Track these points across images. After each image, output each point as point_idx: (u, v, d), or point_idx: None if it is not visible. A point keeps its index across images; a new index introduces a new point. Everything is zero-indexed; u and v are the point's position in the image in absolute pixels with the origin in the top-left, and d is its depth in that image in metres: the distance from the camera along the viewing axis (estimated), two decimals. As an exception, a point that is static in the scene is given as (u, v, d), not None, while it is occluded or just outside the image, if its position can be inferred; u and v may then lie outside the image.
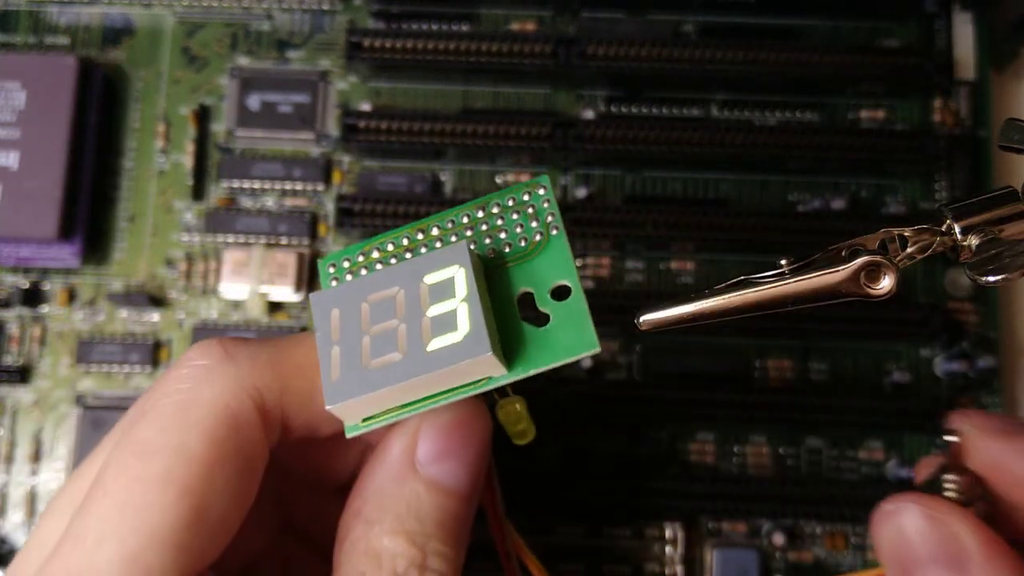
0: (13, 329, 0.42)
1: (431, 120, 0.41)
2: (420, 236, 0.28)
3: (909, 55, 0.42)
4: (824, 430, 0.41)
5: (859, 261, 0.26)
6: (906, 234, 0.26)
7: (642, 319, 0.26)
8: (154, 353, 0.41)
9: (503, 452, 0.30)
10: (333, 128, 0.43)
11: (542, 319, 0.26)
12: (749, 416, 0.40)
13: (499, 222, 0.27)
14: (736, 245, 0.41)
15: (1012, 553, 0.26)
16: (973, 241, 0.26)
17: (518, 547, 0.31)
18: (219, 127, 0.44)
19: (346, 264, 0.28)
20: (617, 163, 0.43)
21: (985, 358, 0.40)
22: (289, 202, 0.43)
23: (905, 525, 0.27)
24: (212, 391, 0.26)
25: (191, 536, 0.25)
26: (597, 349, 0.25)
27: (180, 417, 0.26)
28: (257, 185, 0.43)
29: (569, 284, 0.26)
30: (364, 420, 0.26)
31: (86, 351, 0.41)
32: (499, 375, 0.25)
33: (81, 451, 0.41)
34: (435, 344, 0.25)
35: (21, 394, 0.41)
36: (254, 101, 0.44)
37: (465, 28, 0.44)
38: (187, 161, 0.43)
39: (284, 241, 0.42)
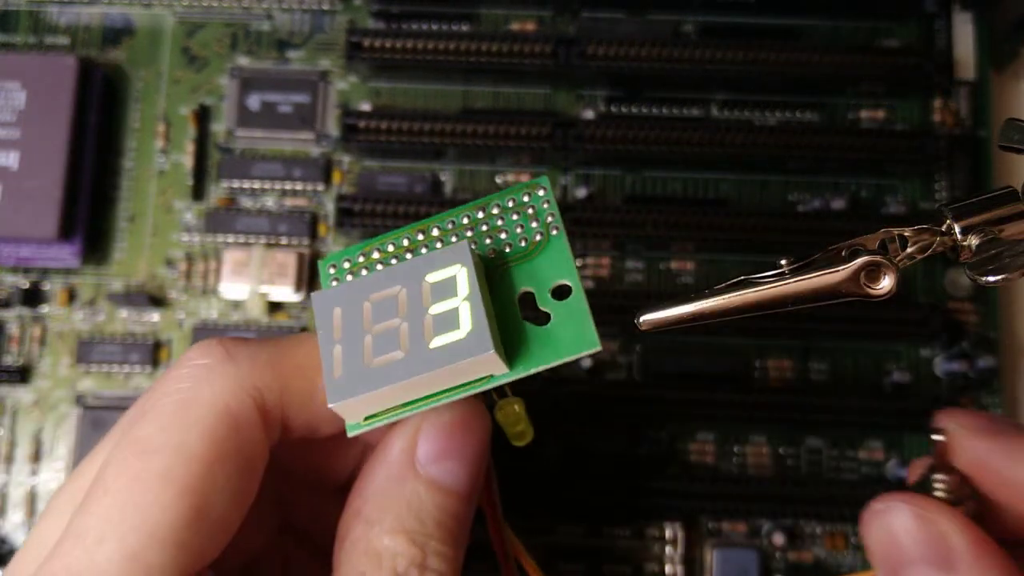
0: (13, 329, 0.42)
1: (431, 120, 0.41)
2: (420, 237, 0.28)
3: (909, 55, 0.42)
4: (824, 430, 0.41)
5: (859, 261, 0.26)
6: (906, 234, 0.26)
7: (642, 319, 0.26)
8: (154, 353, 0.41)
9: (503, 453, 0.30)
10: (333, 128, 0.43)
11: (543, 318, 0.26)
12: (749, 416, 0.40)
13: (499, 223, 0.27)
14: (736, 245, 0.41)
15: (1000, 552, 0.26)
16: (973, 241, 0.26)
17: (516, 548, 0.31)
18: (219, 127, 0.44)
19: (346, 264, 0.28)
20: (617, 163, 0.43)
21: (985, 358, 0.40)
22: (289, 202, 0.43)
23: (894, 524, 0.27)
24: (212, 390, 0.26)
25: (191, 535, 0.25)
26: (598, 348, 0.25)
27: (180, 416, 0.26)
28: (257, 185, 0.43)
29: (570, 283, 0.26)
30: (366, 419, 0.26)
31: (86, 351, 0.41)
32: (500, 373, 0.26)
33: (81, 451, 0.41)
34: (437, 342, 0.25)
35: (21, 394, 0.41)
36: (254, 101, 0.44)
37: (465, 28, 0.44)
38: (187, 161, 0.43)
39: (284, 241, 0.42)
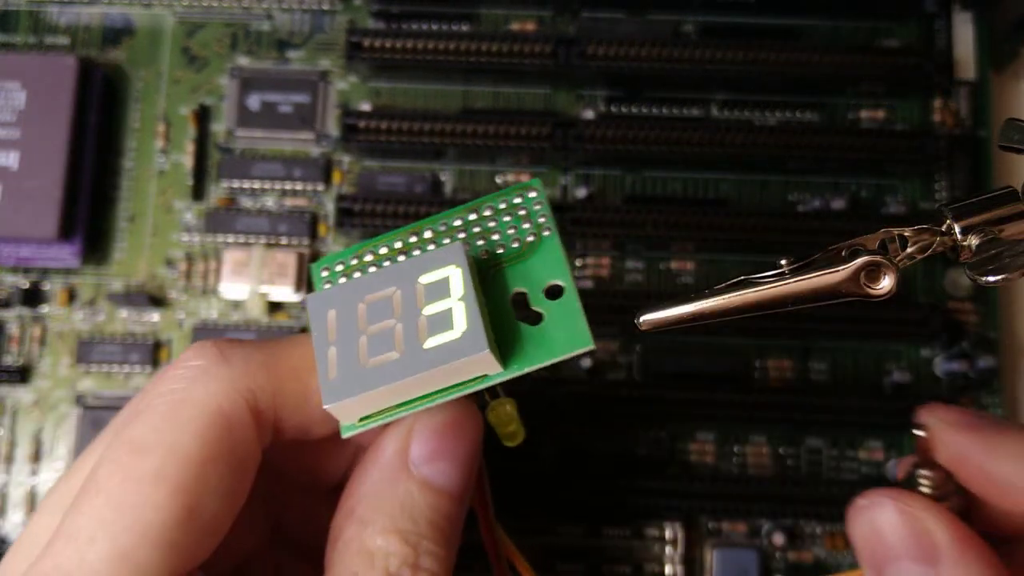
0: (13, 329, 0.42)
1: (431, 120, 0.41)
2: (413, 239, 0.28)
3: (909, 55, 0.42)
4: (824, 430, 0.41)
5: (859, 261, 0.26)
6: (906, 234, 0.26)
7: (642, 319, 0.26)
8: (154, 353, 0.42)
9: (504, 454, 0.30)
10: (333, 128, 0.43)
11: (536, 318, 0.26)
12: (749, 416, 0.40)
13: (492, 224, 0.27)
14: (736, 245, 0.41)
15: (984, 547, 0.26)
16: (973, 241, 0.26)
17: (508, 549, 0.31)
18: (219, 127, 0.44)
19: (339, 267, 0.28)
20: (617, 163, 0.43)
21: (985, 358, 0.40)
22: (289, 202, 0.43)
23: (878, 520, 0.27)
24: (206, 391, 0.26)
25: (182, 535, 0.25)
26: (591, 346, 0.25)
27: (173, 416, 0.26)
28: (257, 185, 0.43)
29: (562, 283, 0.26)
30: (360, 420, 0.26)
31: (86, 351, 0.41)
32: (495, 373, 0.26)
33: (81, 451, 0.40)
34: (432, 342, 0.25)
35: (21, 394, 0.41)
36: (254, 101, 0.44)
37: (465, 28, 0.44)
38: (187, 161, 0.43)
39: (284, 241, 0.42)
